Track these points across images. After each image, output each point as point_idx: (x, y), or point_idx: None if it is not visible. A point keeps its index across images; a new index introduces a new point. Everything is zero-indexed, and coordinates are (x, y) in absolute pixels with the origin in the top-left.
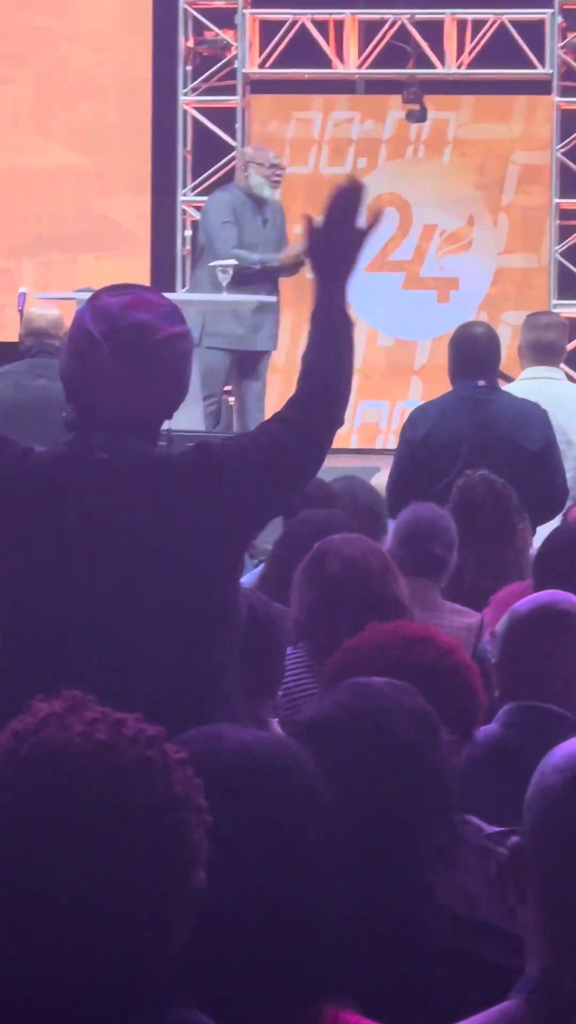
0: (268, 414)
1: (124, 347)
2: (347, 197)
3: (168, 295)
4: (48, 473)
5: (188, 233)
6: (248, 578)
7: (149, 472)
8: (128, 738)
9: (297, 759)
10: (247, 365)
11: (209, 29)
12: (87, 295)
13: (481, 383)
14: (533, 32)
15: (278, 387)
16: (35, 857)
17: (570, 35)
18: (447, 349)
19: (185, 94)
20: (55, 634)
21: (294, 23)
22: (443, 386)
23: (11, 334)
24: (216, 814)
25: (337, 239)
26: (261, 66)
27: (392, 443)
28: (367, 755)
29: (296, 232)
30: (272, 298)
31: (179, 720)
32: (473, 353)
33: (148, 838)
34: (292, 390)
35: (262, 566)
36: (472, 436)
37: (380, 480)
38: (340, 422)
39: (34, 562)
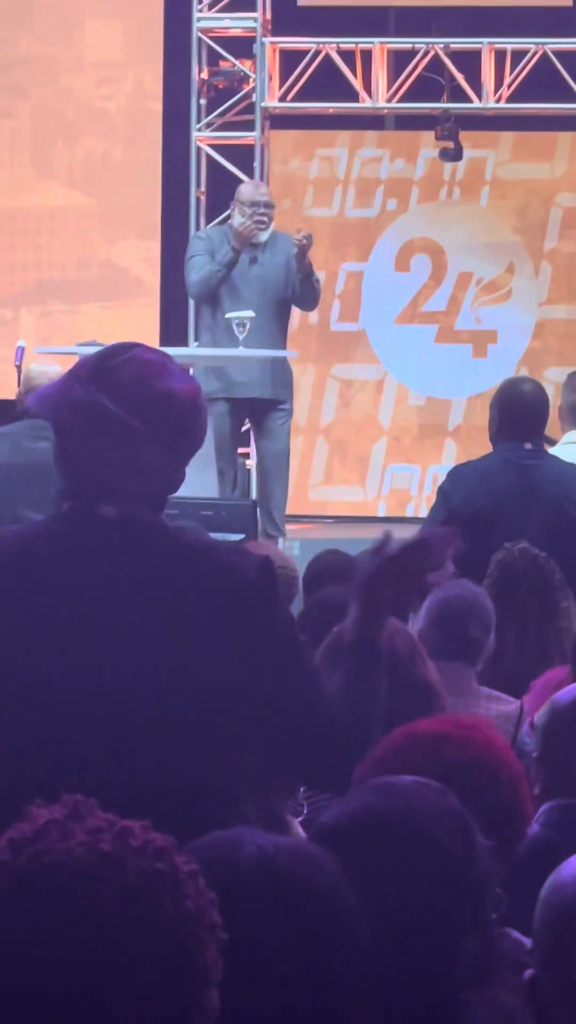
0: (293, 483)
1: (154, 422)
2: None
3: (181, 350)
4: (41, 544)
5: None
6: None
7: (165, 540)
8: (135, 849)
9: (320, 867)
10: (259, 419)
11: (225, 59)
12: (91, 349)
13: (528, 446)
14: None
15: (299, 448)
16: (33, 979)
17: None
18: (487, 407)
19: (199, 129)
20: (43, 723)
21: (318, 53)
22: (480, 449)
23: (9, 391)
24: (231, 929)
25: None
26: (282, 99)
27: (424, 510)
28: (396, 861)
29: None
30: (291, 353)
31: (185, 825)
32: (520, 412)
33: (156, 959)
34: (315, 453)
35: None
36: (514, 504)
37: None
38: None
39: (20, 641)
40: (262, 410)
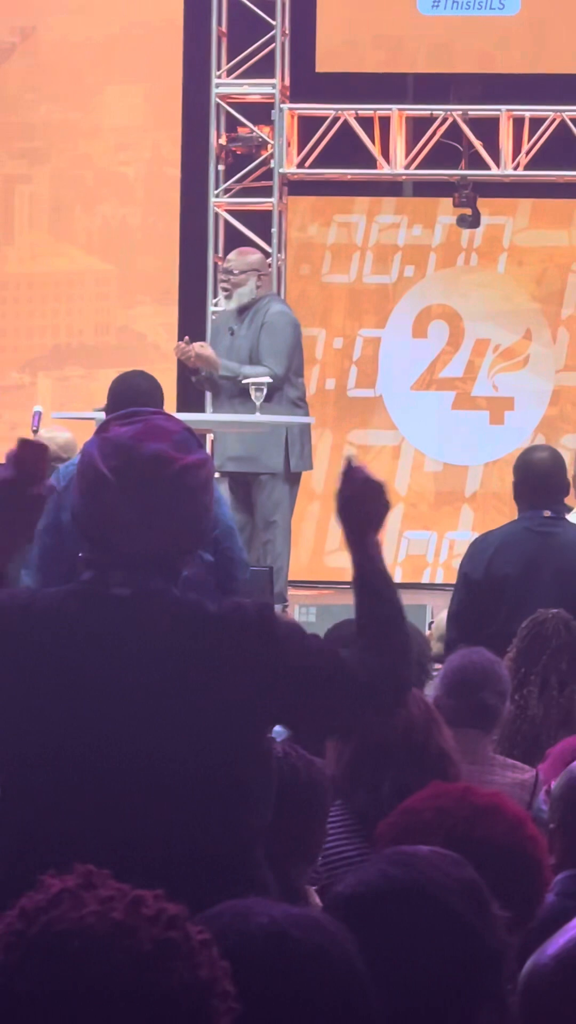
0: (309, 549)
1: (138, 483)
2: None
3: (197, 416)
4: (61, 613)
5: None
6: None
7: (173, 616)
8: (147, 918)
9: (334, 938)
10: (247, 491)
11: (243, 125)
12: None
13: (547, 513)
14: None
15: (316, 514)
16: None
17: None
18: (504, 474)
19: (217, 195)
20: (57, 789)
21: (336, 119)
22: (496, 515)
23: None
24: (244, 1000)
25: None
26: (300, 165)
27: (441, 577)
28: (412, 932)
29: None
30: (309, 419)
31: (195, 894)
32: (538, 480)
33: None
34: (332, 519)
35: None
36: (532, 571)
37: (442, 619)
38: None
39: (38, 709)
40: (247, 483)
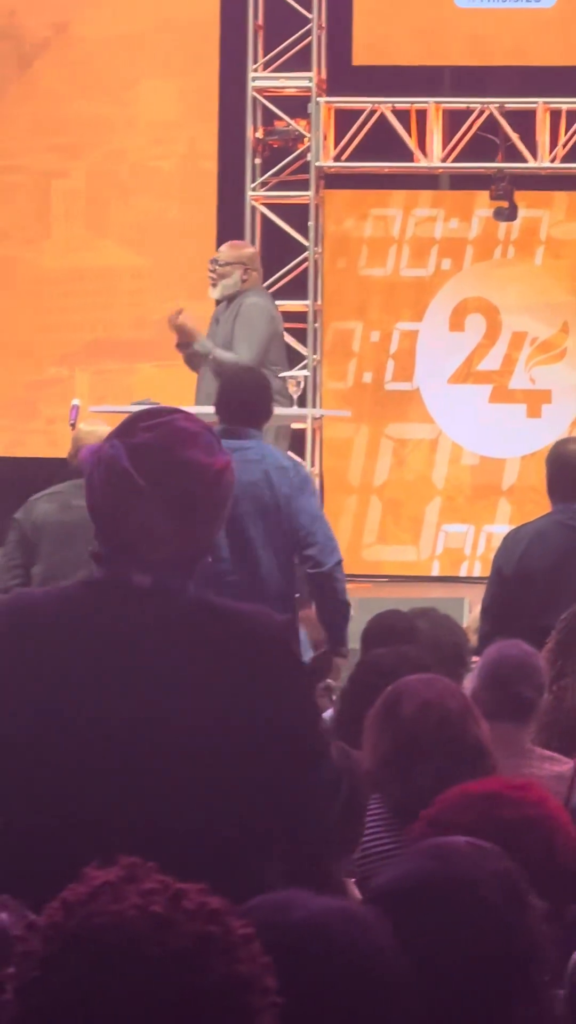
0: (346, 542)
1: (172, 491)
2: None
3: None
4: (76, 611)
5: None
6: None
7: (192, 610)
8: (188, 912)
9: (371, 929)
10: None
11: (280, 118)
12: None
13: None
14: None
15: (352, 508)
16: None
17: None
18: (541, 467)
19: (253, 189)
20: (71, 782)
21: (372, 112)
22: (534, 508)
23: (64, 450)
24: (283, 993)
25: None
26: (336, 159)
27: (478, 570)
28: (449, 925)
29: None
30: (345, 412)
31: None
32: (572, 473)
33: (207, 1023)
34: (369, 512)
35: (332, 708)
36: (566, 565)
37: (477, 614)
38: None
39: (54, 702)
40: None
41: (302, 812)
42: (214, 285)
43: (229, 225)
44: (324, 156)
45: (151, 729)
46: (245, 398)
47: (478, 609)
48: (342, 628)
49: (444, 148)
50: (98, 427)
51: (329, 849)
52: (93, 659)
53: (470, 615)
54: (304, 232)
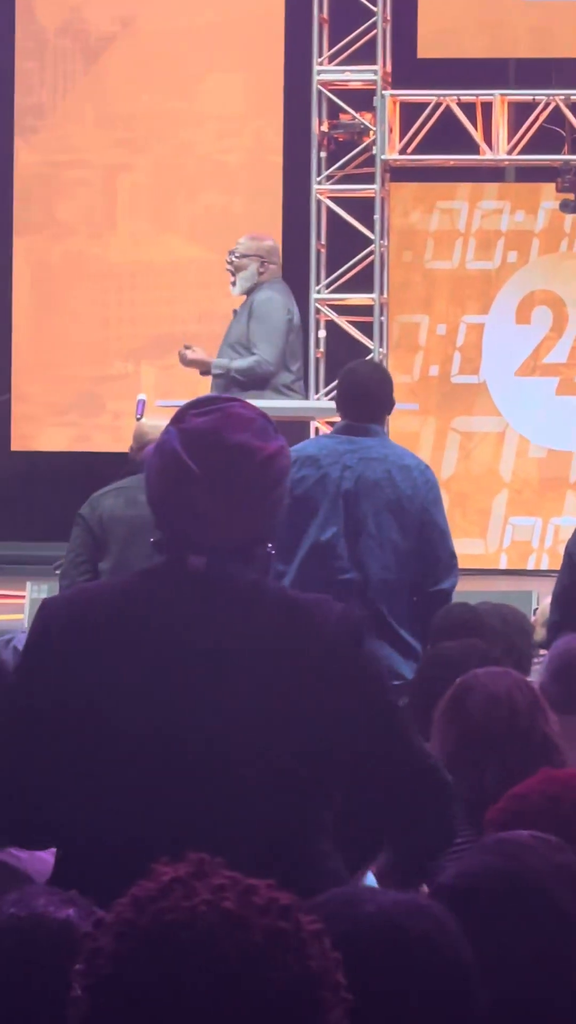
0: None
1: (221, 474)
2: None
3: (303, 403)
4: (134, 601)
5: (323, 334)
6: None
7: (250, 599)
8: (259, 908)
9: (442, 926)
10: None
11: (345, 112)
12: None
13: None
14: None
15: None
16: None
17: None
18: None
19: (319, 182)
20: (131, 777)
21: (438, 105)
22: None
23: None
24: (351, 989)
25: None
26: (402, 152)
27: (546, 563)
28: (514, 921)
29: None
30: (412, 405)
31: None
32: None
33: (279, 1020)
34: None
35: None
36: None
37: (546, 605)
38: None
39: (114, 697)
40: None
41: (414, 806)
42: (233, 280)
43: (295, 219)
44: (390, 149)
45: (204, 716)
46: (365, 392)
47: (545, 602)
48: None
49: (510, 140)
50: (161, 422)
51: (450, 840)
52: (149, 644)
53: (538, 608)
54: (370, 225)
